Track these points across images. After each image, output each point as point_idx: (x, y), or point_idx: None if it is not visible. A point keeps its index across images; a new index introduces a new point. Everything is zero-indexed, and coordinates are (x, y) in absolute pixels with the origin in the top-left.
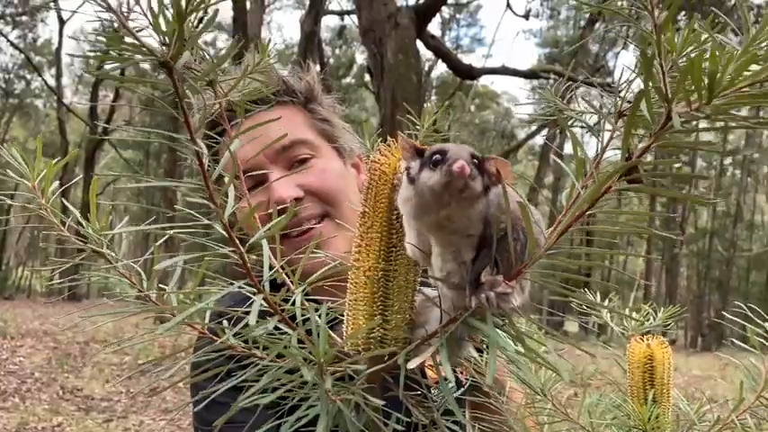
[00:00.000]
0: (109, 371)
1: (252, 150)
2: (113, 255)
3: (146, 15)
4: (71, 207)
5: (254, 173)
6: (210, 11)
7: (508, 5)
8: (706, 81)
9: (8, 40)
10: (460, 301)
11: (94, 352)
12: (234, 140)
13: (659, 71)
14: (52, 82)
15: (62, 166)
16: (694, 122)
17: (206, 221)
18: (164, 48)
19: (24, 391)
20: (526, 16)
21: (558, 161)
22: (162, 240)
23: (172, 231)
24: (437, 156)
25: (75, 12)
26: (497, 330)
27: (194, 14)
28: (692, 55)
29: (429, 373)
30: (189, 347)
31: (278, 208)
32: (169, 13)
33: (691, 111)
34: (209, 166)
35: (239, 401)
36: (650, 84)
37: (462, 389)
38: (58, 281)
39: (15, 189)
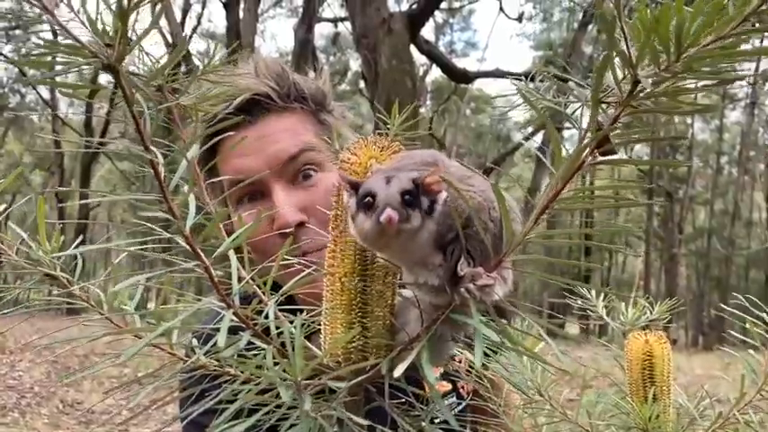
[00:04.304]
0: (109, 384)
1: (255, 161)
2: (68, 277)
3: (80, 16)
4: (18, 230)
5: (239, 179)
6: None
7: (501, 9)
8: (673, 38)
9: (1, 54)
10: (442, 301)
11: (93, 365)
12: (192, 147)
13: (621, 36)
14: (47, 95)
15: (58, 178)
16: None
17: (167, 235)
18: (107, 49)
19: (24, 406)
20: (519, 19)
21: (538, 153)
22: (121, 257)
23: (137, 248)
24: (368, 199)
25: (67, 21)
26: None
27: (138, 12)
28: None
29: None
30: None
31: (282, 234)
32: (110, 12)
33: (659, 71)
34: (169, 175)
35: (213, 427)
36: (613, 50)
37: (464, 402)
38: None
39: (12, 202)
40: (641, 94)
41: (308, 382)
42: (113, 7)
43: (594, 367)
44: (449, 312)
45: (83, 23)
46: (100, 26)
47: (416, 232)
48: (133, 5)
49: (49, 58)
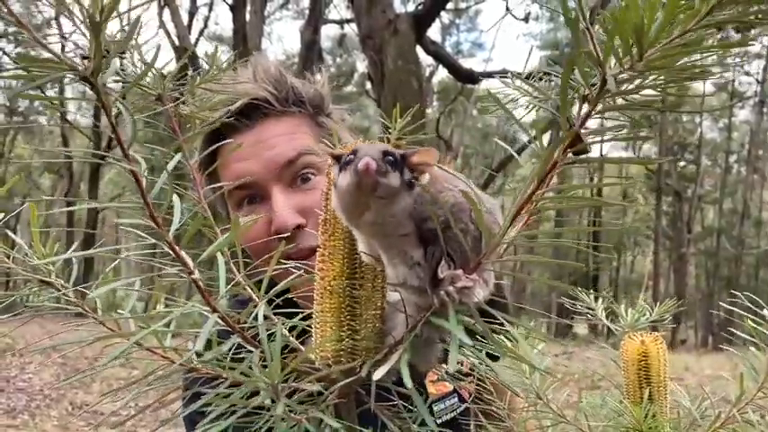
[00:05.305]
0: (118, 385)
1: (253, 166)
2: (62, 283)
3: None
4: (16, 238)
5: (239, 180)
6: (130, 19)
7: (507, 9)
8: (634, 37)
9: (10, 58)
10: (424, 303)
11: (96, 367)
12: (177, 155)
13: (587, 34)
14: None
15: (67, 181)
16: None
17: (152, 241)
18: (84, 61)
19: (34, 408)
20: (526, 19)
21: (504, 145)
22: (115, 263)
23: (133, 254)
24: (350, 156)
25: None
26: (462, 318)
27: (112, 24)
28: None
29: (431, 389)
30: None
31: (279, 236)
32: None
33: (624, 70)
34: (150, 182)
35: (199, 428)
36: (580, 47)
37: (465, 404)
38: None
39: (22, 203)
40: (609, 93)
41: (295, 385)
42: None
43: (601, 368)
44: (429, 315)
45: (83, 35)
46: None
47: (394, 196)
48: (105, 18)
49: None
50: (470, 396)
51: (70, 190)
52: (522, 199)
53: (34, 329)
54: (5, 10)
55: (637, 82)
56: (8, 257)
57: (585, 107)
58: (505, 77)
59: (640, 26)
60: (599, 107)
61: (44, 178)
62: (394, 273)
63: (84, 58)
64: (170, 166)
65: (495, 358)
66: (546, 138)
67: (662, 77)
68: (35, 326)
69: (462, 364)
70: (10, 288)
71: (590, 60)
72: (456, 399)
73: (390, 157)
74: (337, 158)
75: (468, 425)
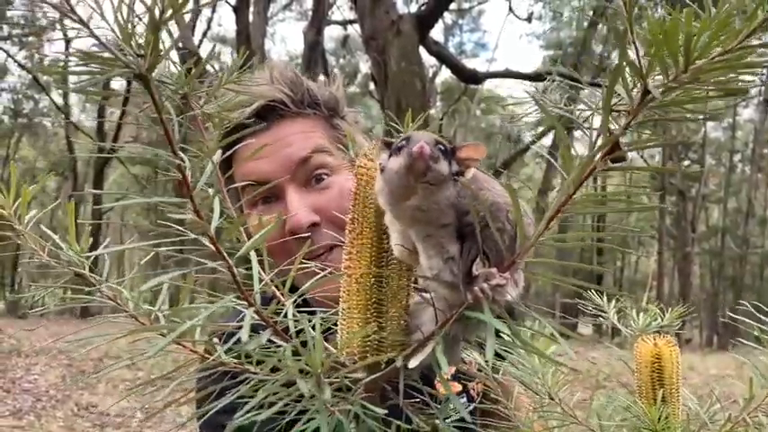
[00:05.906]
0: (123, 387)
1: (268, 165)
2: (96, 276)
3: (116, 28)
4: (49, 232)
5: (257, 184)
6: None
7: (510, 9)
8: (682, 50)
9: (15, 61)
10: (455, 299)
11: (107, 368)
12: (216, 152)
13: (632, 47)
14: (60, 101)
15: (72, 183)
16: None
17: (193, 236)
18: (139, 59)
19: (39, 409)
20: (529, 19)
21: (546, 155)
22: (147, 258)
23: (163, 249)
24: (402, 142)
25: (80, 29)
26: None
27: (168, 24)
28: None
29: (441, 390)
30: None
31: (295, 236)
32: (142, 24)
33: (668, 82)
34: (196, 180)
35: (234, 421)
36: (624, 60)
37: (473, 404)
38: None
39: (27, 205)
40: (651, 104)
41: (327, 379)
42: (142, 18)
43: (607, 368)
44: (463, 310)
45: (116, 34)
46: (130, 37)
47: (441, 183)
48: (166, 18)
49: (82, 68)
50: (479, 395)
51: (74, 191)
52: (560, 203)
53: (39, 331)
54: (68, 8)
55: (673, 94)
56: (43, 250)
57: (623, 117)
58: (528, 78)
59: (690, 38)
60: (639, 117)
61: (48, 180)
62: (428, 264)
63: (138, 56)
64: (215, 158)
65: (502, 358)
66: (546, 137)
67: (699, 91)
68: (40, 327)
69: (471, 364)
70: (15, 290)
71: (632, 71)
72: (465, 399)
73: (441, 146)
74: (387, 145)
75: (476, 423)
